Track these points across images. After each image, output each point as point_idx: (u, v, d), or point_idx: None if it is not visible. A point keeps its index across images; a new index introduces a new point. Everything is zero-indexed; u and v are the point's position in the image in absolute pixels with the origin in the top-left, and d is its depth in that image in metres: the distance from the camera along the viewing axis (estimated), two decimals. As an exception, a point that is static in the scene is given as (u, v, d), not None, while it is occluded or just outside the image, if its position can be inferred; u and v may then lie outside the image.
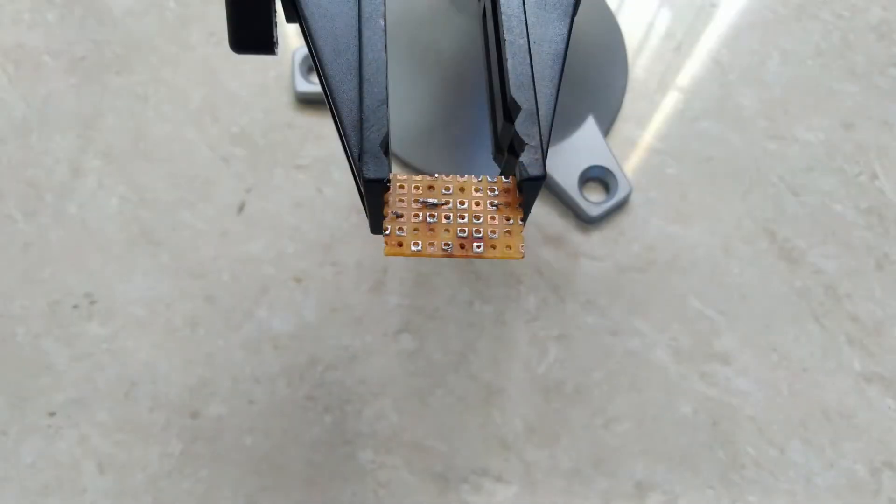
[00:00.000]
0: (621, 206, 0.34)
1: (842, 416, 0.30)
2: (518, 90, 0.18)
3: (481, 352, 0.31)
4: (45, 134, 0.35)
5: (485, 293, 0.32)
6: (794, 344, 0.32)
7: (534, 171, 0.17)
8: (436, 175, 0.18)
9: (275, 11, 0.20)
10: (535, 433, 0.30)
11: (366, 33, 0.18)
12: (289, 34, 0.38)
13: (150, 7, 0.38)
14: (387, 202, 0.17)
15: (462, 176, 0.18)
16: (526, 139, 0.17)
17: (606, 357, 0.31)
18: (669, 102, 0.37)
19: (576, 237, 0.33)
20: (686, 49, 0.38)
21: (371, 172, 0.17)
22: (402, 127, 0.35)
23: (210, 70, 0.37)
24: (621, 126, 0.36)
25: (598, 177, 0.34)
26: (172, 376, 0.30)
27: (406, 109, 0.35)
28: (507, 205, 0.18)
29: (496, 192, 0.18)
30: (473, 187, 0.18)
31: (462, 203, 0.18)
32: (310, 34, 0.19)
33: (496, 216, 0.18)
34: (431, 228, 0.17)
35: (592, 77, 0.37)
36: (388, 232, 0.17)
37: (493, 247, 0.17)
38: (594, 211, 0.33)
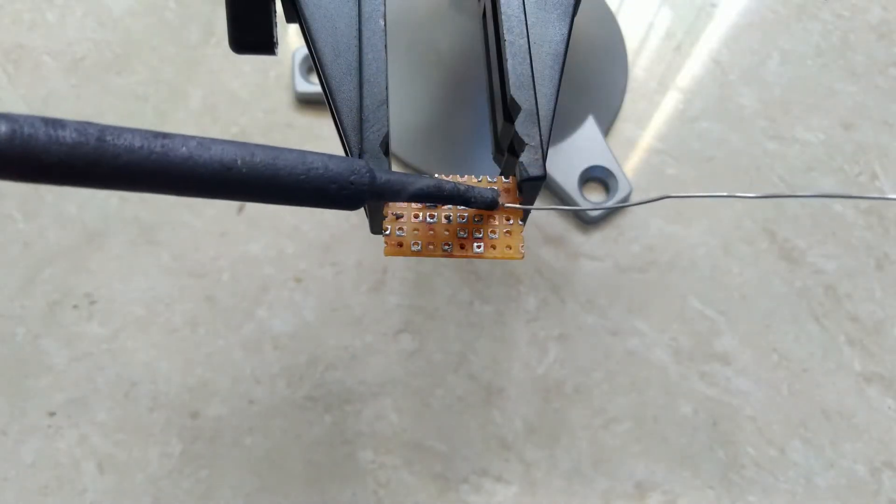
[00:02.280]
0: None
1: (842, 416, 0.30)
2: (518, 90, 0.18)
3: (481, 352, 0.31)
4: (45, 134, 0.35)
5: (485, 293, 0.32)
6: (794, 344, 0.32)
7: (534, 171, 0.17)
8: (436, 175, 0.18)
9: (275, 11, 0.20)
10: (535, 433, 0.30)
11: (366, 33, 0.18)
12: (289, 34, 0.38)
13: (150, 7, 0.38)
14: (387, 203, 0.17)
15: (462, 176, 0.18)
16: (526, 139, 0.17)
17: (606, 357, 0.31)
18: (669, 102, 0.37)
19: (576, 237, 0.33)
20: (686, 49, 0.38)
21: (371, 172, 0.17)
22: (402, 127, 0.35)
23: (210, 70, 0.37)
24: (621, 126, 0.36)
25: (598, 177, 0.34)
26: (172, 376, 0.30)
27: (406, 109, 0.35)
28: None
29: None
30: (473, 187, 0.18)
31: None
32: (310, 34, 0.19)
33: (496, 216, 0.18)
34: (431, 228, 0.17)
35: (592, 77, 0.37)
36: (388, 232, 0.17)
37: (493, 247, 0.17)
38: (594, 211, 0.33)
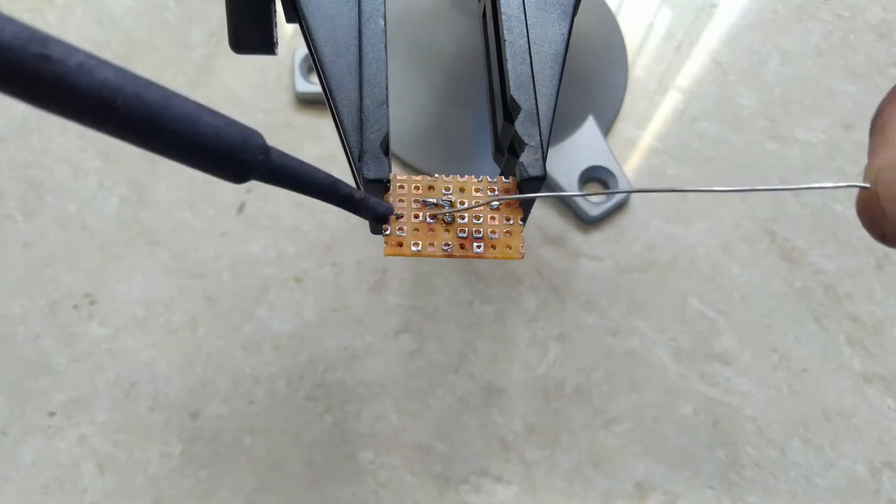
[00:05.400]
0: (621, 206, 0.34)
1: (842, 416, 0.30)
2: (518, 90, 0.18)
3: (481, 352, 0.31)
4: (45, 134, 0.35)
5: (485, 293, 0.32)
6: (794, 344, 0.32)
7: (534, 171, 0.17)
8: (436, 175, 0.18)
9: (275, 11, 0.20)
10: (535, 433, 0.30)
11: (366, 33, 0.18)
12: (289, 34, 0.38)
13: (150, 7, 0.38)
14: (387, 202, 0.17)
15: (462, 176, 0.18)
16: (526, 139, 0.17)
17: (606, 357, 0.31)
18: (669, 102, 0.37)
19: (576, 237, 0.33)
20: (686, 49, 0.38)
21: (371, 172, 0.17)
22: (402, 127, 0.35)
23: (210, 70, 0.37)
24: (621, 126, 0.36)
25: (598, 177, 0.34)
26: (172, 376, 0.30)
27: (406, 109, 0.35)
28: (507, 205, 0.18)
29: (496, 193, 0.18)
30: (473, 187, 0.18)
31: (462, 203, 0.18)
32: (310, 34, 0.19)
33: (496, 216, 0.18)
34: (431, 228, 0.17)
35: (592, 77, 0.37)
36: (388, 232, 0.17)
37: (493, 247, 0.17)
38: (594, 211, 0.33)
